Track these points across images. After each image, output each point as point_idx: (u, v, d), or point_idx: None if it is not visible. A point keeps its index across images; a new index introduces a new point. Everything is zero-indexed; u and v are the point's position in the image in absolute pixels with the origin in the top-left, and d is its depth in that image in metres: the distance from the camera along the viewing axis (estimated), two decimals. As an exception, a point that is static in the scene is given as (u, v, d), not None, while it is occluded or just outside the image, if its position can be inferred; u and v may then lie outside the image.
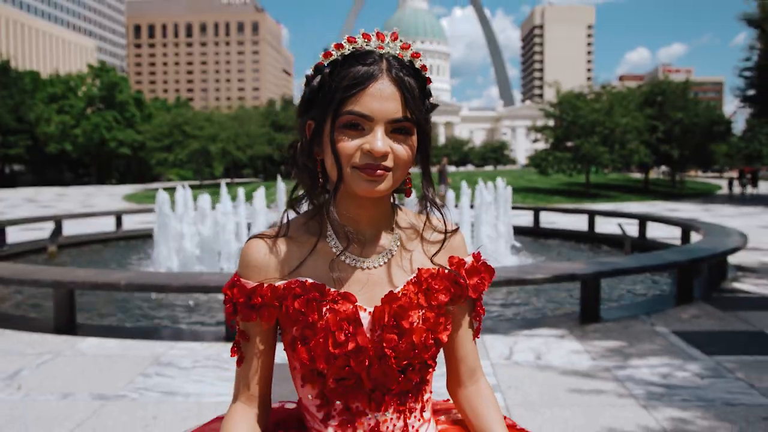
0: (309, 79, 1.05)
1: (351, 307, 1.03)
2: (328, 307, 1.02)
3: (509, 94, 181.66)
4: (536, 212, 14.70)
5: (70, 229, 13.75)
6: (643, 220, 11.86)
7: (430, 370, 1.12)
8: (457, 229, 1.17)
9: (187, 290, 5.04)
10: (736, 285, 7.36)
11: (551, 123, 32.89)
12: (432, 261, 1.11)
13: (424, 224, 1.14)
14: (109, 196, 35.03)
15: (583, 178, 33.71)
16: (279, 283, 1.05)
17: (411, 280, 1.09)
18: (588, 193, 31.28)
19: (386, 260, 1.09)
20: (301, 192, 1.11)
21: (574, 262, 7.52)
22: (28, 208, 24.91)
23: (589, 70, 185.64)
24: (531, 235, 13.65)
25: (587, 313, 5.57)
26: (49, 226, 13.97)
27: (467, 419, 1.18)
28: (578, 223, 15.39)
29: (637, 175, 54.51)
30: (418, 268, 1.10)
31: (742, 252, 10.17)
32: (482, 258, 1.17)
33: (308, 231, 1.09)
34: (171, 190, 11.24)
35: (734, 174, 57.44)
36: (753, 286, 7.28)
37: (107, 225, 14.85)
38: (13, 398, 3.87)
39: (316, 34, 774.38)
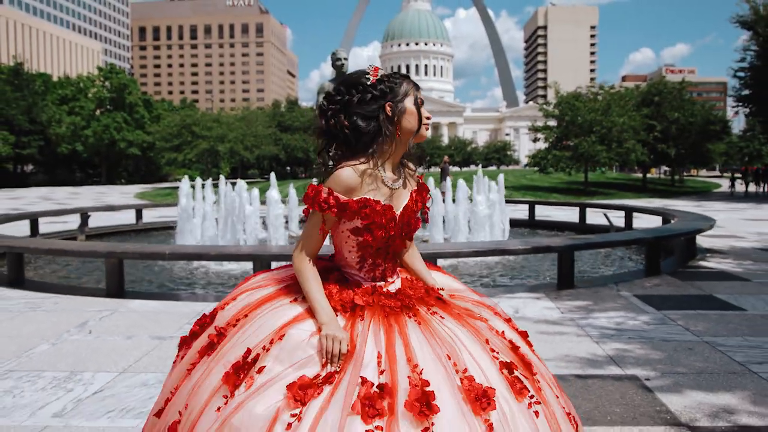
0: (381, 80, 1.87)
1: (392, 212, 1.90)
2: (382, 213, 1.88)
3: (513, 94, 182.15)
4: (531, 206, 15.56)
5: (92, 222, 14.67)
6: (629, 211, 12.72)
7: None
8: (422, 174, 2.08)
9: (221, 258, 5.95)
10: (702, 263, 8.23)
11: (553, 123, 33.74)
12: (417, 185, 2.01)
13: (409, 168, 2.02)
14: (121, 194, 36.03)
15: (583, 177, 34.53)
16: (355, 199, 1.84)
17: (410, 195, 1.97)
18: (586, 191, 32.08)
19: (400, 185, 1.96)
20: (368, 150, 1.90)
21: (552, 237, 8.40)
22: (46, 206, 25.83)
23: (592, 70, 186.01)
24: (526, 227, 14.52)
25: (563, 281, 6.46)
26: (72, 219, 14.94)
27: (405, 264, 2.10)
28: (572, 216, 16.25)
29: (639, 175, 55.31)
30: (412, 190, 1.98)
31: (717, 238, 11.08)
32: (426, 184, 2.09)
33: (370, 166, 1.90)
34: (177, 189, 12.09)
35: (738, 173, 58.02)
36: (716, 264, 8.15)
37: (126, 219, 15.81)
38: (88, 338, 4.79)
39: (320, 35, 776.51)
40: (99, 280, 7.56)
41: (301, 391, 1.54)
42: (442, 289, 1.99)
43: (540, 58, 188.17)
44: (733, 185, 36.06)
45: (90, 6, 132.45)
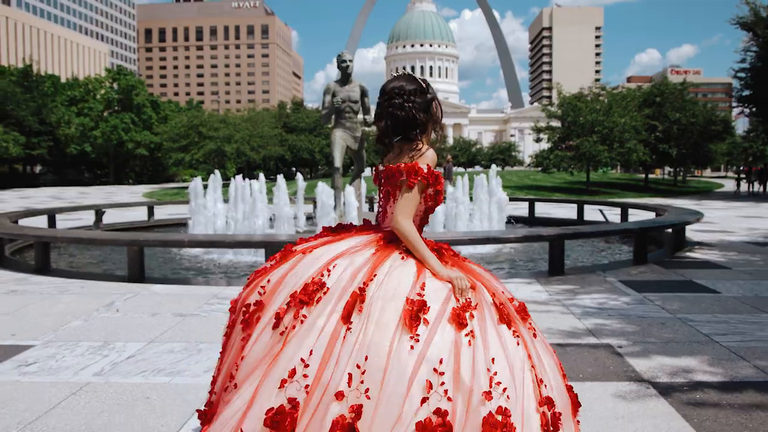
0: (429, 86, 2.39)
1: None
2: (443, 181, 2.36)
3: (518, 95, 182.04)
4: (531, 203, 15.99)
5: (105, 219, 15.17)
6: (624, 207, 13.15)
7: None
8: None
9: (236, 246, 6.41)
10: (689, 254, 8.65)
11: (557, 123, 34.10)
12: None
13: None
14: (130, 194, 36.58)
15: (586, 177, 34.89)
16: (436, 171, 2.32)
17: None
18: (589, 191, 32.44)
19: None
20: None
21: (544, 228, 8.84)
22: (57, 204, 26.39)
23: (597, 71, 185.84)
24: (526, 223, 14.94)
25: (554, 268, 6.90)
26: (85, 216, 15.44)
27: None
28: (571, 213, 16.66)
29: (642, 175, 55.57)
30: None
31: (708, 233, 11.49)
32: None
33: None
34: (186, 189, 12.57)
35: (742, 173, 58.18)
36: (701, 255, 8.57)
37: (138, 216, 16.30)
38: (116, 316, 5.26)
39: (325, 37, 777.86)
40: (117, 269, 8.05)
41: (459, 318, 2.00)
42: None
43: (545, 59, 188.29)
44: (738, 185, 36.46)
45: (96, 8, 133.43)
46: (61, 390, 3.53)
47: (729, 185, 49.39)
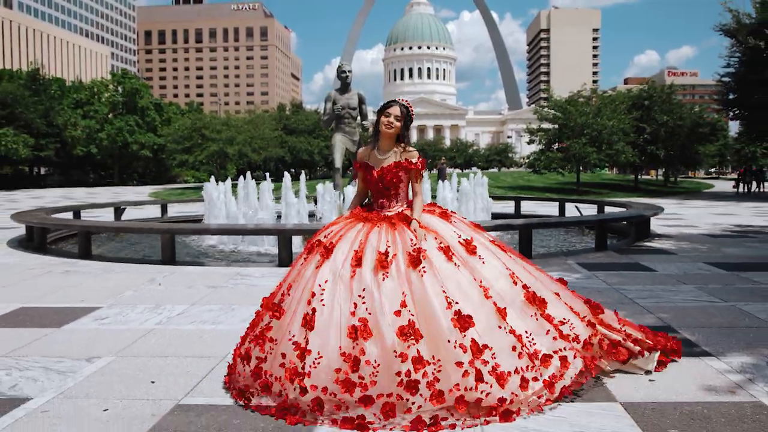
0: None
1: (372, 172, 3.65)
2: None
3: (516, 97, 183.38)
4: (517, 201, 17.21)
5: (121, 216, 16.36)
6: (600, 204, 14.37)
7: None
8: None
9: (254, 233, 7.61)
10: (647, 243, 9.86)
11: (551, 125, 35.34)
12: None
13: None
14: (136, 194, 37.77)
15: (580, 177, 36.16)
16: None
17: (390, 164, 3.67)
18: (579, 191, 33.66)
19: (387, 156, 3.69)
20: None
21: (514, 219, 10.06)
22: (69, 204, 27.56)
23: (595, 73, 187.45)
24: (510, 219, 16.16)
25: (522, 253, 8.09)
26: (102, 213, 16.63)
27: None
28: (555, 211, 17.87)
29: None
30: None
31: (674, 227, 12.70)
32: None
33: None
34: (196, 190, 13.76)
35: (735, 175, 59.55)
36: (657, 244, 9.78)
37: (151, 214, 17.50)
38: (158, 289, 6.46)
39: (324, 38, 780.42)
40: (140, 256, 9.25)
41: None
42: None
43: (543, 60, 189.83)
44: (737, 186, 37.96)
45: (96, 10, 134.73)
46: (134, 333, 4.72)
47: (720, 186, 50.76)
